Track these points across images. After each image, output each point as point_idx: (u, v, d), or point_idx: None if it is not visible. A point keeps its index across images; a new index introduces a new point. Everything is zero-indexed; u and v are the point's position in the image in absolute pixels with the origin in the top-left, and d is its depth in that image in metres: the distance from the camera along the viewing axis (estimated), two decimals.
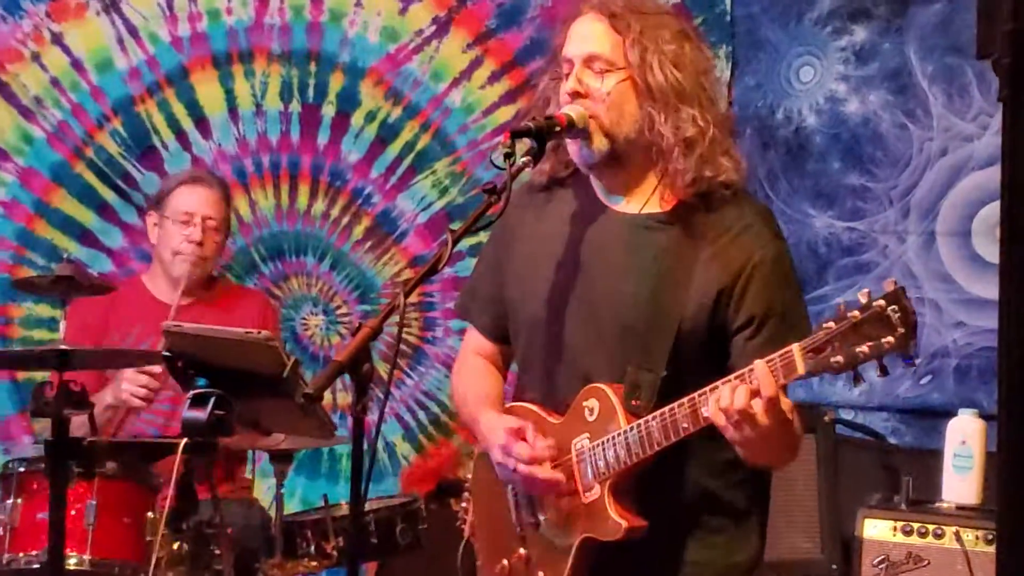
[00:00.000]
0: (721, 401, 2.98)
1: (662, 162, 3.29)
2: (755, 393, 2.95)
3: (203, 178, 5.40)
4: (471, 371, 3.68)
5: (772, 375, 2.93)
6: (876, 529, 4.87)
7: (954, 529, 4.75)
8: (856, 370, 2.87)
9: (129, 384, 4.93)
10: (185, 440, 3.15)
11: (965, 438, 4.87)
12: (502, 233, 3.57)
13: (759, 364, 2.94)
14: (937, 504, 4.90)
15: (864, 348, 2.82)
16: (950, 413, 5.06)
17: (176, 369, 3.36)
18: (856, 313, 2.83)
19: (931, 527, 4.77)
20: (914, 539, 4.80)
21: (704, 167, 3.26)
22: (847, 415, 5.98)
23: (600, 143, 3.28)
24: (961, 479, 4.89)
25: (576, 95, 3.28)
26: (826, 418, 5.34)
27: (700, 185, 3.28)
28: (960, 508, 4.84)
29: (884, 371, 2.85)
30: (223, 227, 5.39)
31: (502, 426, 3.39)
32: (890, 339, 2.79)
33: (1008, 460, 1.75)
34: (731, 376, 3.01)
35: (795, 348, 2.90)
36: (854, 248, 6.15)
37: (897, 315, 2.78)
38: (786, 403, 3.02)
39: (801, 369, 2.90)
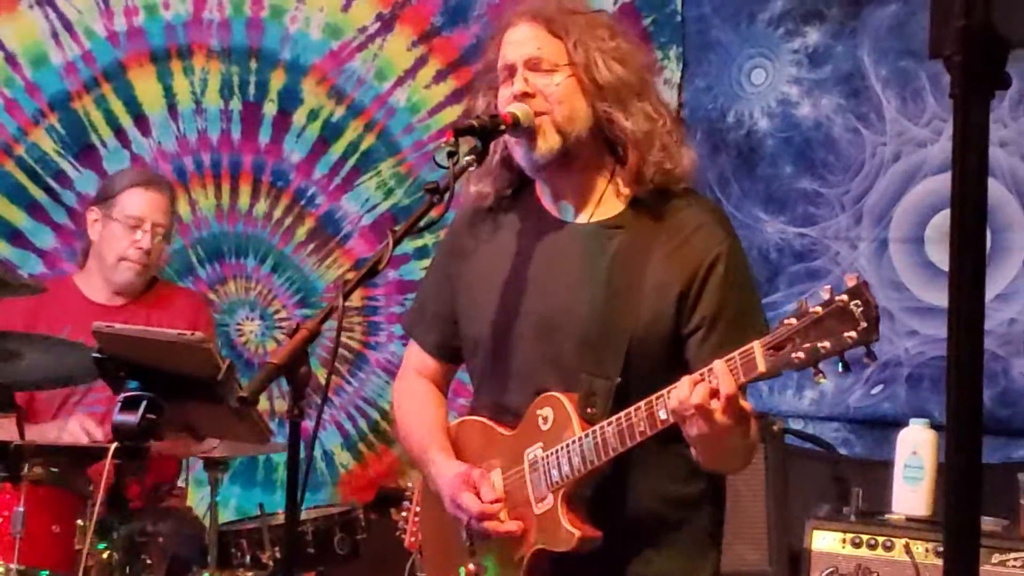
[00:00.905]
0: (680, 395, 2.93)
1: (618, 159, 3.27)
2: (714, 392, 2.90)
3: (155, 182, 5.28)
4: (414, 398, 3.64)
5: (732, 374, 2.88)
6: (825, 541, 4.82)
7: (904, 541, 4.72)
8: (817, 366, 2.82)
9: (76, 428, 4.85)
10: (115, 445, 3.04)
11: (916, 448, 4.84)
12: (451, 251, 3.55)
13: (718, 363, 2.90)
14: (887, 516, 4.86)
15: (826, 343, 2.77)
16: (901, 423, 5.03)
17: (107, 371, 3.26)
18: (818, 308, 2.79)
19: (881, 539, 4.73)
20: (863, 551, 4.76)
21: (665, 159, 3.25)
22: (797, 425, 5.97)
23: (552, 140, 3.23)
24: (912, 490, 4.85)
25: (524, 96, 3.24)
26: (775, 428, 5.30)
27: (660, 177, 3.26)
28: (910, 520, 4.80)
29: (847, 367, 2.81)
30: (170, 233, 5.29)
31: (451, 474, 3.35)
32: (852, 333, 2.75)
33: (956, 471, 1.74)
34: (687, 376, 2.96)
35: (756, 345, 2.86)
36: (805, 254, 6.13)
37: (860, 309, 2.74)
38: (745, 404, 2.99)
39: (762, 367, 2.86)
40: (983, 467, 1.81)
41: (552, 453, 3.20)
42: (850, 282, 2.77)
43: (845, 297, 2.75)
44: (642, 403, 3.03)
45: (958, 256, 1.71)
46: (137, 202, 5.19)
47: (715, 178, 6.20)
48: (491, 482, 3.30)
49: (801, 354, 2.79)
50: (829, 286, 2.80)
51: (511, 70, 3.28)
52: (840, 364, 2.80)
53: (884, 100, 6.00)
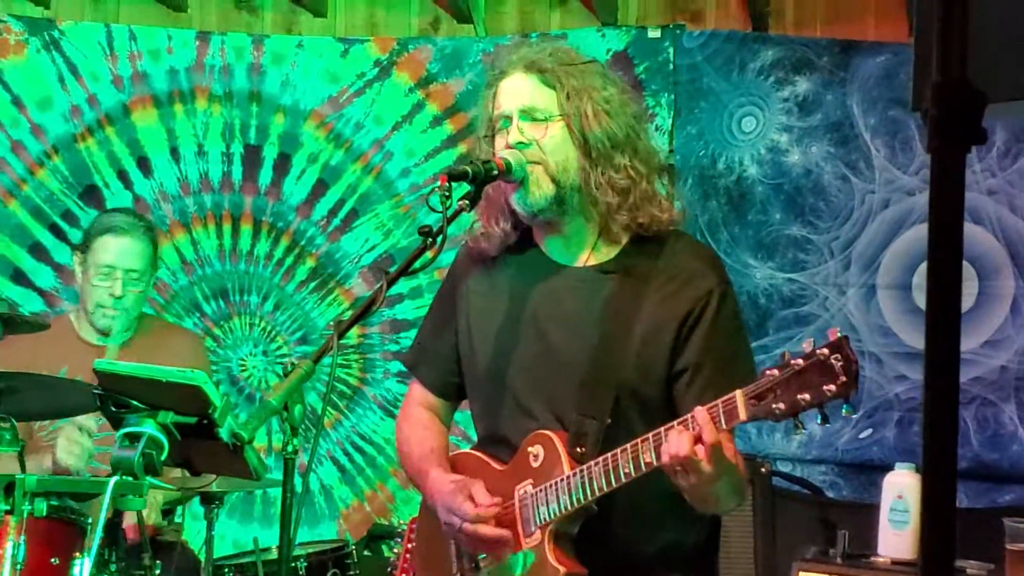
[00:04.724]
0: (669, 449, 2.97)
1: (597, 212, 3.30)
2: (697, 438, 2.95)
3: (123, 227, 5.24)
4: (416, 424, 3.67)
5: (713, 421, 2.93)
6: None
7: None
8: (796, 417, 2.87)
9: (66, 443, 4.90)
10: (114, 479, 3.10)
11: (902, 492, 4.86)
12: (451, 291, 3.60)
13: (699, 411, 2.95)
14: (872, 558, 4.88)
15: (806, 396, 2.83)
16: (889, 467, 5.04)
17: (107, 408, 3.32)
18: (799, 361, 2.85)
19: None
20: None
21: (637, 215, 3.29)
22: (785, 467, 5.97)
23: (547, 188, 3.28)
24: (897, 534, 4.87)
25: (520, 145, 3.29)
26: (763, 470, 5.33)
27: (633, 231, 3.32)
28: (896, 563, 4.82)
29: (825, 419, 2.86)
30: (147, 273, 5.29)
31: (448, 483, 3.40)
32: (832, 387, 2.80)
33: (931, 514, 1.75)
34: (674, 423, 3.02)
35: (738, 394, 2.91)
36: (794, 299, 6.15)
37: (840, 363, 2.80)
38: (729, 448, 3.05)
39: (743, 415, 2.91)
40: (970, 512, 1.82)
41: (541, 490, 3.25)
42: (832, 336, 2.82)
43: (826, 351, 2.81)
44: (628, 445, 3.08)
45: (933, 299, 1.73)
46: (109, 249, 5.20)
47: (705, 224, 6.22)
48: (484, 491, 3.33)
49: (782, 405, 2.85)
50: (811, 339, 2.85)
51: (507, 119, 3.33)
52: (819, 416, 2.85)
53: (873, 148, 6.03)
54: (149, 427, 3.11)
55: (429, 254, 3.11)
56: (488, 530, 3.30)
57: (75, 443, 4.93)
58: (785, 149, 6.19)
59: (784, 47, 6.24)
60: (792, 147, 6.18)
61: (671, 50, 6.39)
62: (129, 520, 4.71)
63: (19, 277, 6.51)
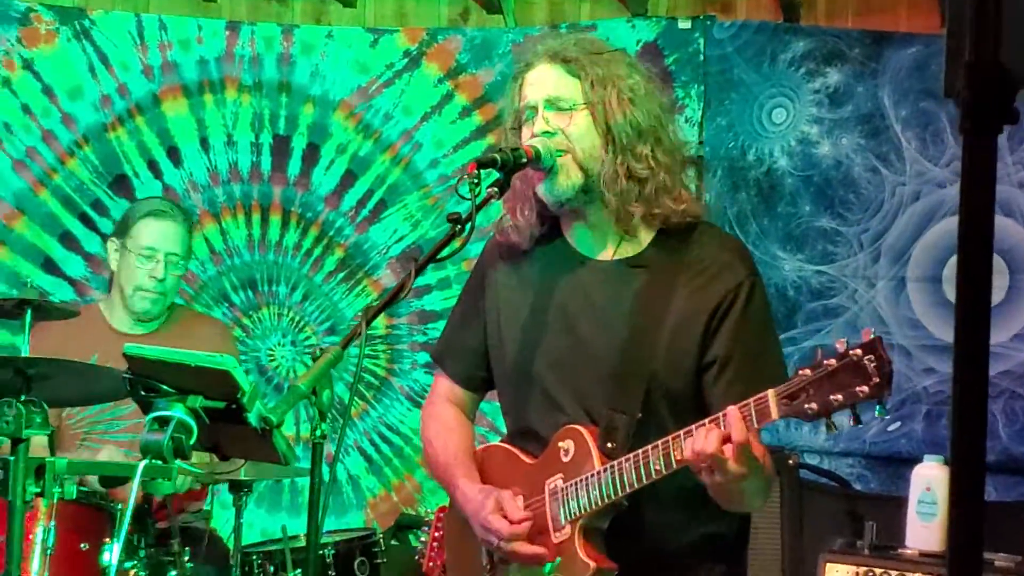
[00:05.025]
0: (695, 445, 2.97)
1: (616, 201, 3.29)
2: (726, 438, 2.94)
3: (168, 212, 5.34)
4: (441, 424, 3.67)
5: (744, 421, 2.93)
6: (839, 575, 4.83)
7: None
8: (829, 418, 2.87)
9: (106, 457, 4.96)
10: (143, 463, 3.11)
11: (930, 484, 4.84)
12: (479, 284, 3.60)
13: (732, 410, 2.95)
14: (900, 551, 4.87)
15: (838, 396, 2.82)
16: (917, 460, 5.03)
17: (137, 393, 3.33)
18: (832, 361, 2.84)
19: (894, 573, 4.74)
20: None
21: (652, 206, 3.28)
22: (812, 460, 5.96)
23: (575, 177, 3.28)
24: (925, 526, 4.85)
25: (547, 135, 3.29)
26: (790, 462, 5.32)
27: (656, 224, 3.31)
28: (924, 555, 4.80)
29: (857, 420, 2.86)
30: (184, 259, 5.36)
31: (479, 498, 3.39)
32: (864, 388, 2.80)
33: (959, 506, 1.74)
34: (705, 420, 3.01)
35: (770, 394, 2.91)
36: (823, 292, 6.14)
37: (873, 364, 2.79)
38: (758, 448, 3.05)
39: (775, 415, 2.90)
40: (998, 505, 1.82)
41: (571, 485, 3.25)
42: (865, 336, 2.82)
43: (859, 351, 2.80)
44: (659, 442, 3.08)
45: (964, 295, 1.71)
46: (150, 233, 5.27)
47: (734, 215, 6.21)
48: (517, 504, 3.34)
49: (814, 405, 2.84)
50: (844, 339, 2.85)
51: (533, 110, 3.33)
52: (852, 416, 2.85)
53: (904, 140, 6.02)
54: (178, 411, 3.12)
55: (457, 242, 3.10)
56: (525, 548, 3.30)
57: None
58: (815, 141, 6.18)
59: (815, 38, 6.23)
60: (822, 139, 6.17)
61: (701, 41, 6.38)
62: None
63: (50, 266, 6.53)
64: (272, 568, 5.04)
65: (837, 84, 6.17)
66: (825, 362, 2.84)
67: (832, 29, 6.24)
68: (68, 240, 6.55)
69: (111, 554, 4.48)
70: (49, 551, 4.40)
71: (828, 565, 4.86)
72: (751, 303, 3.27)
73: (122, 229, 5.35)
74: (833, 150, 6.15)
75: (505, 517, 3.31)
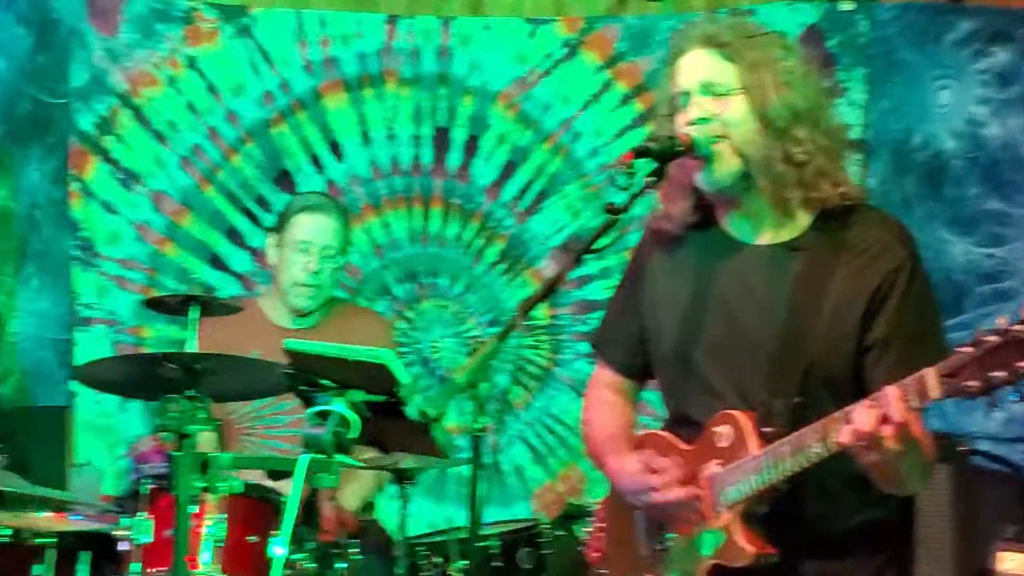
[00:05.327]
0: (853, 425, 2.94)
1: (774, 186, 3.26)
2: (885, 418, 2.90)
3: (322, 206, 5.41)
4: (600, 407, 3.70)
5: (903, 400, 2.88)
6: (1013, 563, 4.77)
7: None
8: (991, 395, 2.80)
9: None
10: (305, 457, 3.15)
11: None
12: (636, 271, 3.59)
13: (890, 389, 2.90)
14: None
15: (1000, 373, 2.75)
16: None
17: (297, 387, 3.38)
18: (994, 337, 2.77)
19: None
20: None
21: (810, 190, 3.25)
22: (984, 446, 5.87)
23: (732, 164, 3.26)
24: None
25: (701, 121, 3.26)
26: (961, 448, 5.25)
27: (814, 207, 3.28)
28: None
29: (1023, 397, 2.78)
30: (340, 253, 5.41)
31: (632, 462, 3.41)
32: None
33: None
34: (864, 400, 2.97)
35: (930, 372, 2.85)
36: (993, 275, 6.05)
37: None
38: (917, 429, 2.97)
39: (936, 393, 2.85)
40: None
41: (729, 470, 3.23)
42: None
43: (1021, 327, 2.74)
44: (817, 424, 3.05)
45: None
46: (305, 226, 5.33)
47: (900, 199, 6.15)
48: (666, 461, 3.34)
49: (975, 382, 2.77)
50: (1006, 316, 2.78)
51: (686, 96, 3.30)
52: (1017, 394, 2.78)
53: None
54: (339, 406, 3.15)
55: (614, 232, 3.10)
56: (678, 490, 3.29)
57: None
58: (982, 122, 6.10)
59: (981, 18, 6.15)
60: (990, 120, 6.09)
61: (865, 23, 6.30)
62: (328, 511, 4.82)
63: (216, 262, 6.63)
64: (438, 559, 5.07)
65: (1004, 64, 6.09)
66: (986, 339, 2.77)
67: (998, 8, 6.15)
68: (234, 236, 6.65)
69: (278, 546, 4.54)
70: (219, 543, 4.48)
71: (1002, 553, 4.80)
72: (913, 284, 3.22)
73: (280, 224, 5.42)
74: (1001, 131, 6.07)
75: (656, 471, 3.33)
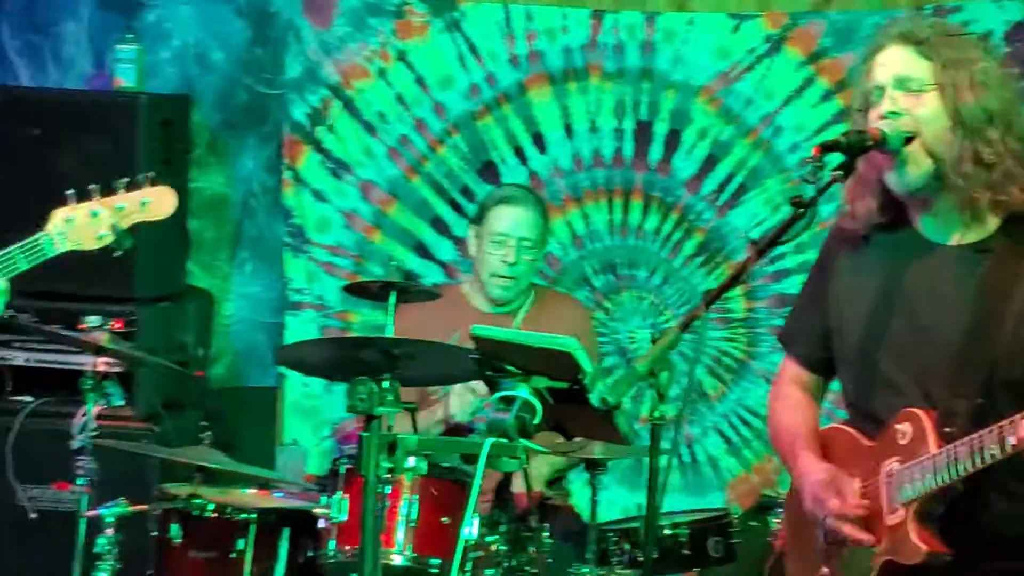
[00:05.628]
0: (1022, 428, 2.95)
1: (963, 186, 3.25)
2: None
3: (520, 198, 5.50)
4: (786, 404, 3.71)
5: None
6: None
7: None
8: None
9: (457, 398, 5.13)
10: (489, 441, 3.24)
11: None
12: (823, 267, 3.60)
13: None
14: None
15: None
16: None
17: (484, 372, 3.46)
18: None
19: None
20: None
21: (998, 193, 3.23)
22: None
23: (924, 164, 3.25)
24: None
25: (893, 116, 3.26)
26: None
27: (1004, 210, 3.26)
28: None
29: None
30: (539, 244, 5.49)
31: (821, 471, 3.42)
32: None
33: None
34: None
35: None
36: None
37: None
38: None
39: None
40: None
41: (907, 468, 3.23)
42: None
43: None
44: (995, 426, 3.05)
45: None
46: (503, 218, 5.44)
47: None
48: (854, 488, 3.34)
49: None
50: None
51: (880, 90, 3.30)
52: None
53: None
54: (523, 391, 3.23)
55: (800, 226, 3.14)
56: (850, 530, 3.31)
57: (465, 399, 5.15)
58: None
59: None
60: None
61: None
62: (519, 488, 4.90)
63: (421, 250, 6.77)
64: (628, 546, 5.14)
65: None
66: None
67: None
68: (438, 225, 6.77)
69: (471, 528, 4.64)
70: (412, 524, 4.60)
71: None
72: None
73: (479, 216, 5.53)
74: None
75: (839, 497, 3.33)
